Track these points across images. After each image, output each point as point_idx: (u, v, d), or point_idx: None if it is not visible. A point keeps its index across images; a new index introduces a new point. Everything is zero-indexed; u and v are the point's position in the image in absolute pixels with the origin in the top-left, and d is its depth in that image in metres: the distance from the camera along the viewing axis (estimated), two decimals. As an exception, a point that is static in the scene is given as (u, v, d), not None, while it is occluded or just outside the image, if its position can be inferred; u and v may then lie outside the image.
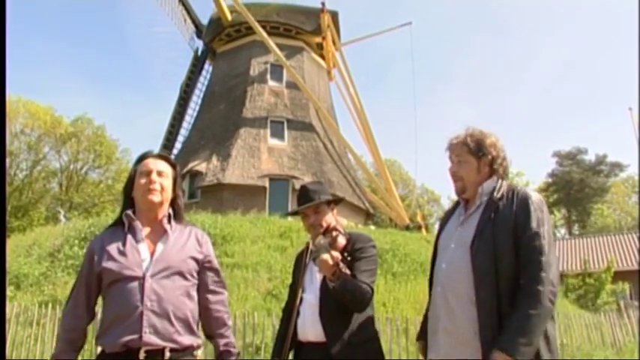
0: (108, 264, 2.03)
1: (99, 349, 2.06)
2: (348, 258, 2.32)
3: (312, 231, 2.56)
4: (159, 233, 2.15)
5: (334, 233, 2.45)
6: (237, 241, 11.85)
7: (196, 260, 2.17)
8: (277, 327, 7.69)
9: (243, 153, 18.78)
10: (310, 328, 2.41)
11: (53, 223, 21.45)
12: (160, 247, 2.11)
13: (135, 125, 66.99)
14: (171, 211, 2.22)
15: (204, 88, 23.43)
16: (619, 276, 18.55)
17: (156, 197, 2.13)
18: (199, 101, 23.19)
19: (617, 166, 40.88)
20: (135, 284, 1.99)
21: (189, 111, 23.07)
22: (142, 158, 2.23)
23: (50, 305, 8.68)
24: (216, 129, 20.31)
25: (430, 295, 2.32)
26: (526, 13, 72.14)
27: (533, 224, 2.00)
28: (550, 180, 42.10)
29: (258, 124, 19.76)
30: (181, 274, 2.09)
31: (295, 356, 2.52)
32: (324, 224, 2.52)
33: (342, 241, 2.46)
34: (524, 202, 2.06)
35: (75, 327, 2.09)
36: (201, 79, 23.73)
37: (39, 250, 12.14)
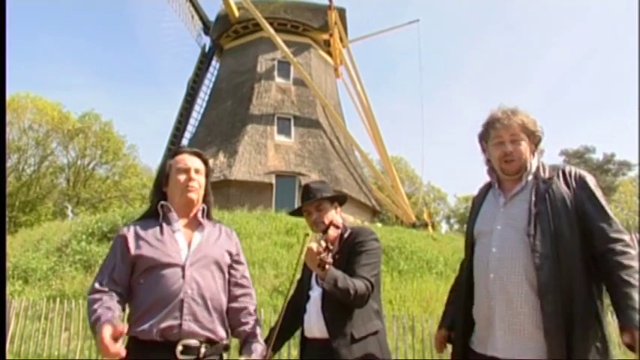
0: (145, 250, 2.01)
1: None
2: (332, 248, 2.24)
3: (314, 228, 2.54)
4: (194, 225, 2.17)
5: (329, 228, 2.42)
6: (243, 237, 11.87)
7: (230, 254, 2.21)
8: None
9: (249, 150, 18.80)
10: (315, 324, 2.40)
11: (61, 218, 21.61)
12: (196, 238, 2.13)
13: (142, 121, 67.34)
14: (204, 206, 2.25)
15: (211, 85, 23.50)
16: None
17: (194, 195, 2.16)
18: (206, 98, 23.27)
19: (625, 165, 40.59)
20: (175, 271, 1.99)
21: (197, 107, 23.18)
22: (177, 153, 2.24)
23: (58, 300, 8.73)
24: (223, 125, 20.35)
25: (468, 283, 2.15)
26: (535, 11, 71.71)
27: (601, 201, 1.96)
28: (557, 179, 41.84)
29: (265, 121, 19.77)
30: (218, 265, 2.12)
31: (301, 352, 2.52)
32: (327, 221, 2.49)
33: (332, 233, 2.44)
34: (582, 180, 2.01)
35: (114, 307, 1.92)
36: (209, 75, 23.82)
37: (47, 245, 12.22)
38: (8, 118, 31.11)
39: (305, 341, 2.49)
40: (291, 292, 2.42)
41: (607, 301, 1.94)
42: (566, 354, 1.79)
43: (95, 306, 1.89)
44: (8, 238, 13.08)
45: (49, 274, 10.71)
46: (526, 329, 1.89)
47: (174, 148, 2.32)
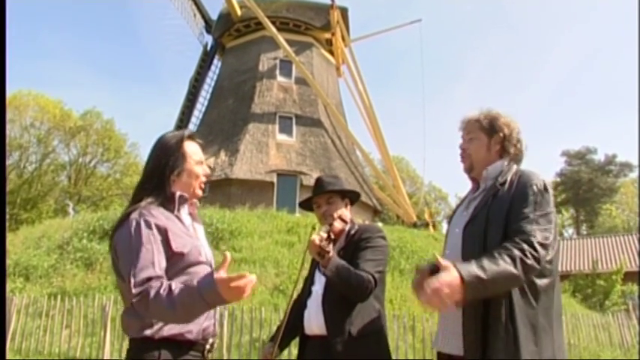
0: (186, 246, 1.82)
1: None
2: (334, 238, 2.22)
3: (323, 221, 2.49)
4: (193, 221, 2.04)
5: (335, 221, 2.40)
6: (244, 236, 11.88)
7: None
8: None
9: (251, 148, 18.80)
10: (314, 319, 2.37)
11: (62, 215, 21.59)
12: (199, 232, 2.03)
13: (143, 119, 67.30)
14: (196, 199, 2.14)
15: (213, 83, 23.48)
16: (628, 277, 18.43)
17: (201, 191, 2.05)
18: (208, 96, 23.24)
19: (627, 167, 40.60)
20: (208, 269, 1.86)
21: (198, 106, 23.15)
22: (190, 139, 2.03)
23: (59, 297, 8.75)
24: (224, 124, 20.35)
25: None
26: (538, 12, 71.62)
27: (529, 207, 1.85)
28: (558, 179, 41.83)
29: (267, 120, 19.77)
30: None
31: (300, 349, 2.48)
32: (335, 215, 2.45)
33: (337, 225, 2.40)
34: (524, 185, 1.92)
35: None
36: (210, 74, 23.79)
37: (48, 242, 12.24)
38: (10, 115, 31.16)
39: (304, 339, 2.46)
40: (298, 287, 2.40)
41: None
42: (480, 352, 1.81)
43: (164, 291, 1.58)
44: (9, 236, 13.09)
45: (50, 271, 10.73)
46: (454, 327, 1.93)
47: (188, 131, 2.08)
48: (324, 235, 2.20)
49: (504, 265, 1.70)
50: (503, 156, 2.10)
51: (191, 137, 2.03)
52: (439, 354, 2.08)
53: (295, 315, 2.47)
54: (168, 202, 1.89)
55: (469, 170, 2.17)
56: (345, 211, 2.54)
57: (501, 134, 2.09)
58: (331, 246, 2.18)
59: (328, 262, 2.20)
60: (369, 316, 2.32)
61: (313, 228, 2.30)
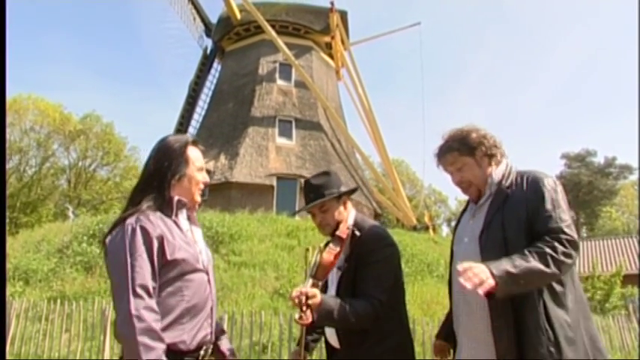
0: (181, 254, 1.81)
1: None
2: (312, 304, 1.95)
3: (321, 230, 2.36)
4: (191, 224, 2.01)
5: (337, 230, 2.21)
6: (244, 239, 11.87)
7: None
8: (284, 326, 7.63)
9: (251, 152, 18.82)
10: (330, 333, 2.31)
11: (62, 219, 21.60)
12: (198, 236, 1.99)
13: (143, 123, 67.32)
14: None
15: (212, 87, 23.53)
16: (628, 280, 18.39)
17: (200, 198, 2.03)
18: (208, 100, 23.30)
19: (627, 169, 40.53)
20: (202, 276, 1.88)
21: (198, 109, 23.20)
22: (194, 144, 2.02)
23: (59, 301, 8.72)
24: (224, 127, 20.37)
25: (450, 293, 2.20)
26: (538, 14, 71.76)
27: (548, 206, 1.89)
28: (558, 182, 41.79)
29: (267, 123, 19.79)
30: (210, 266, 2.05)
31: (327, 356, 2.41)
32: (333, 223, 2.28)
33: (327, 257, 2.09)
34: (536, 185, 1.96)
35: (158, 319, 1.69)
36: (210, 77, 23.86)
37: (48, 246, 12.23)
38: (10, 119, 31.17)
39: (328, 347, 2.39)
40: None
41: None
42: (516, 354, 1.83)
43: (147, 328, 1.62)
44: (9, 239, 13.08)
45: (50, 275, 10.72)
46: (482, 335, 1.93)
47: (191, 137, 2.07)
48: (304, 297, 1.94)
49: (535, 262, 1.75)
50: (493, 163, 2.11)
51: (194, 143, 2.02)
52: None
53: None
54: (167, 207, 1.88)
55: (478, 195, 2.14)
56: (344, 212, 2.35)
57: (482, 148, 2.09)
58: (309, 314, 1.94)
59: (318, 309, 1.99)
60: (387, 330, 2.18)
61: (307, 250, 2.22)
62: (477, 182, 2.11)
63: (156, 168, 1.91)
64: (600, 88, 70.69)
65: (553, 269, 1.76)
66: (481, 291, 1.64)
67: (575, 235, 1.86)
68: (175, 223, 1.88)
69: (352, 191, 2.48)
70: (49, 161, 35.75)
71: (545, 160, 58.98)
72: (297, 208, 17.21)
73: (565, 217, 1.88)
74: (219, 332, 2.10)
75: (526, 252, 1.79)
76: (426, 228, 19.71)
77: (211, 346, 1.95)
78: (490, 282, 1.65)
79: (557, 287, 1.88)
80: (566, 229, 1.84)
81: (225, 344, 2.10)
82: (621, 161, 40.53)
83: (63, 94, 72.47)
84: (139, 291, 1.65)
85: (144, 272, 1.68)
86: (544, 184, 1.95)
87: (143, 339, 1.59)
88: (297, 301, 1.92)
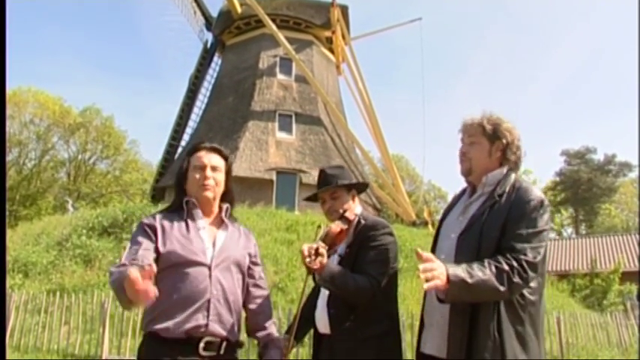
0: (173, 246, 1.97)
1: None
2: (322, 253, 2.06)
3: (328, 217, 2.45)
4: (217, 224, 2.15)
5: (334, 223, 2.28)
6: (243, 233, 11.87)
7: (249, 255, 2.20)
8: (283, 320, 7.65)
9: (251, 146, 18.80)
10: (321, 319, 2.36)
11: (61, 212, 21.63)
12: (220, 237, 2.10)
13: (143, 116, 67.25)
14: (228, 205, 2.23)
15: (213, 81, 23.47)
16: (626, 277, 18.45)
17: (210, 193, 2.11)
18: (208, 93, 23.24)
19: (626, 166, 40.56)
20: (201, 270, 1.97)
21: (198, 103, 23.14)
22: (195, 150, 2.18)
23: (58, 294, 8.75)
24: (224, 121, 20.34)
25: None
26: (539, 11, 71.53)
27: (522, 224, 1.86)
28: (558, 179, 41.84)
29: (267, 118, 19.76)
30: (239, 266, 2.11)
31: (314, 346, 2.47)
32: (341, 211, 2.36)
33: (335, 228, 2.21)
34: (521, 200, 1.92)
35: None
36: (210, 71, 23.78)
37: (47, 238, 12.24)
38: (9, 112, 31.12)
39: (318, 336, 2.44)
40: (309, 283, 2.30)
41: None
42: (465, 351, 1.83)
43: (116, 270, 1.79)
44: (9, 232, 13.09)
45: (49, 268, 10.74)
46: (443, 328, 1.95)
47: (194, 145, 2.23)
48: (314, 247, 2.06)
49: (491, 276, 1.75)
50: (503, 163, 2.08)
51: (204, 146, 2.19)
52: (422, 355, 2.08)
53: (309, 307, 2.47)
54: (181, 208, 2.10)
55: (467, 174, 2.14)
56: (352, 204, 2.46)
57: (504, 141, 2.06)
58: (318, 261, 2.04)
59: (321, 271, 2.11)
60: (376, 319, 2.27)
61: (319, 226, 2.24)
62: (475, 164, 2.10)
63: (176, 176, 2.19)
64: (600, 85, 70.61)
65: (505, 289, 1.75)
66: (426, 286, 1.63)
67: (539, 258, 1.83)
68: (186, 222, 2.06)
69: (363, 185, 2.63)
70: (48, 154, 35.75)
71: (546, 156, 59.08)
72: (296, 203, 17.24)
73: (534, 239, 1.85)
74: (268, 342, 2.17)
75: (485, 263, 1.78)
76: (425, 223, 19.72)
77: (218, 340, 1.96)
78: (438, 282, 1.65)
79: (519, 299, 1.87)
80: (529, 252, 1.81)
81: (270, 355, 2.13)
82: (621, 159, 40.64)
83: (63, 87, 72.39)
84: (120, 264, 1.86)
85: (130, 255, 1.91)
86: (528, 201, 1.91)
87: (115, 275, 1.76)
88: (306, 252, 2.04)
